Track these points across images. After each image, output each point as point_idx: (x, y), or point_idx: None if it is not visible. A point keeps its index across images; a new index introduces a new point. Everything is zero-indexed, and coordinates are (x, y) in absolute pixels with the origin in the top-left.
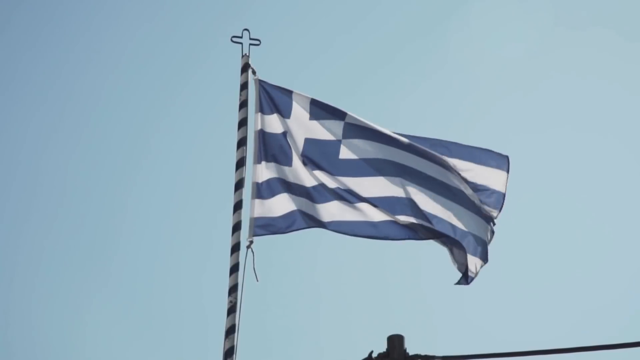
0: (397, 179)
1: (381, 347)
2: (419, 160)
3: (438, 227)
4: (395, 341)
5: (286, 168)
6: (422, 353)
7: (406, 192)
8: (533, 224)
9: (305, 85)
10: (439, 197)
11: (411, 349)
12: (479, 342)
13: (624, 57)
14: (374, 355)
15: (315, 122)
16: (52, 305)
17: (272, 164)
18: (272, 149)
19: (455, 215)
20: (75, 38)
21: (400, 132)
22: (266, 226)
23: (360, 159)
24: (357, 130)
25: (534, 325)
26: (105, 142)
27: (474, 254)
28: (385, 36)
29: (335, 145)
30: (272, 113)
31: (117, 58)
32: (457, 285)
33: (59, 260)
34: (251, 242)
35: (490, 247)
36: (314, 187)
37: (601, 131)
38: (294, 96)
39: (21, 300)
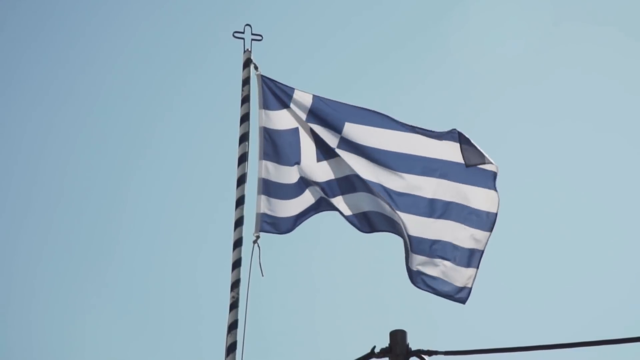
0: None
1: (384, 342)
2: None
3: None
4: (398, 336)
5: (294, 167)
6: (425, 348)
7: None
8: (536, 220)
9: (306, 80)
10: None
11: (414, 344)
12: (481, 338)
13: (625, 54)
14: (377, 350)
15: (311, 125)
16: (52, 304)
17: (279, 166)
18: (279, 147)
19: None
20: (76, 33)
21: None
22: (273, 224)
23: (347, 175)
24: (352, 146)
25: (536, 321)
26: (106, 138)
27: (468, 266)
28: (386, 32)
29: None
30: (281, 109)
31: (118, 53)
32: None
33: (59, 256)
34: (257, 237)
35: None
36: (327, 182)
37: (604, 127)
38: (295, 95)
39: (20, 299)
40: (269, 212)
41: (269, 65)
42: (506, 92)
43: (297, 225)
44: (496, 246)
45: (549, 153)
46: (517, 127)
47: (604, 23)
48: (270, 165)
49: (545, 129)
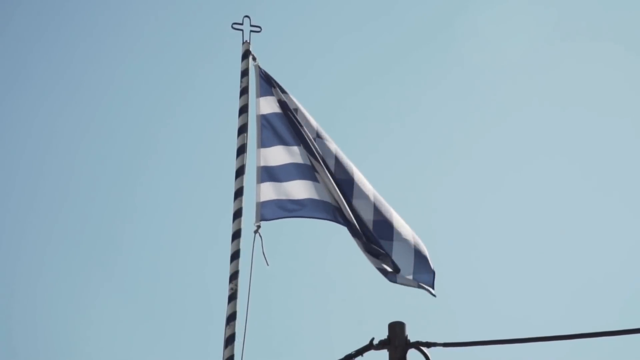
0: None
1: (382, 334)
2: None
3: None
4: (397, 328)
5: (294, 148)
6: (424, 340)
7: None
8: (530, 216)
9: (305, 75)
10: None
11: (412, 336)
12: (481, 330)
13: (629, 65)
14: (375, 342)
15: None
16: (56, 297)
17: (281, 147)
18: (280, 129)
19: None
20: (80, 31)
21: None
22: (274, 210)
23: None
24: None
25: (536, 313)
26: (108, 133)
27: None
28: (390, 30)
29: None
30: (276, 95)
31: (117, 47)
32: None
33: (63, 252)
34: (258, 226)
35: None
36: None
37: (607, 133)
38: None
39: (25, 295)
40: (270, 199)
41: (268, 57)
42: (512, 98)
43: (303, 214)
44: (496, 241)
45: (554, 154)
46: (527, 132)
47: (608, 39)
48: (269, 151)
49: (551, 132)
